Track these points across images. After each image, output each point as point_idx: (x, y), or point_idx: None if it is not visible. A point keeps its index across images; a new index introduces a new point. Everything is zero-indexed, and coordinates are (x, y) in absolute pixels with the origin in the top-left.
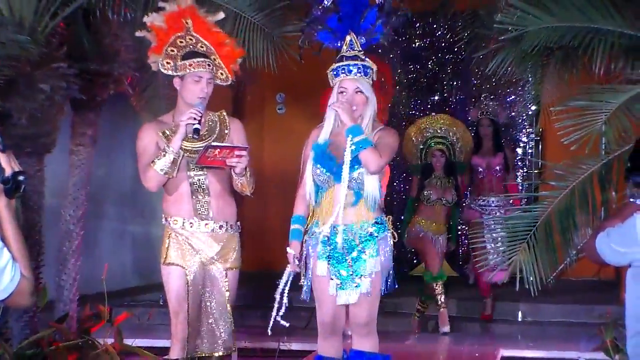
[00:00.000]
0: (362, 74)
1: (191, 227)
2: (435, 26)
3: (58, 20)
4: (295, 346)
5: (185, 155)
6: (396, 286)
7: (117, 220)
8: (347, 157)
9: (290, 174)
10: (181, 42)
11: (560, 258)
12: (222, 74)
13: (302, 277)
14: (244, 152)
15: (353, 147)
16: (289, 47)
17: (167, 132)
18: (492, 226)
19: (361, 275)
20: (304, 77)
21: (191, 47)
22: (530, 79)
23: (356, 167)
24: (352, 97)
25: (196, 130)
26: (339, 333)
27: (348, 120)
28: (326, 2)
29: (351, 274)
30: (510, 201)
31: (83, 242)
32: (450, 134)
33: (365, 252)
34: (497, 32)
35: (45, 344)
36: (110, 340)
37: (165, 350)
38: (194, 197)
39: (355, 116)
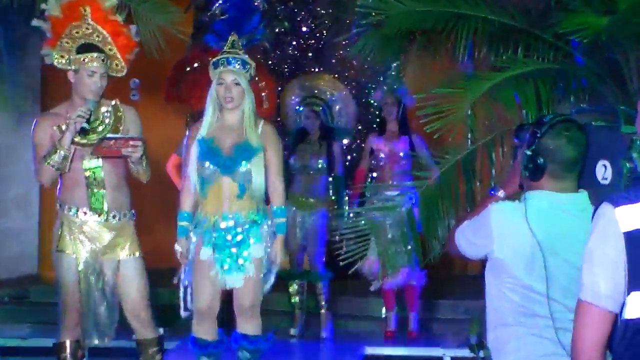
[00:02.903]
0: (241, 67)
1: (85, 215)
2: (296, 10)
3: None
4: None
5: (79, 148)
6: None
7: None
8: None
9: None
10: (77, 32)
11: (426, 251)
12: (117, 64)
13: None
14: (138, 142)
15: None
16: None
17: (63, 127)
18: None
19: (246, 260)
20: (157, 64)
21: (86, 37)
22: (392, 65)
23: (243, 162)
24: (230, 88)
25: (82, 130)
26: (214, 317)
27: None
28: (215, 8)
29: (236, 259)
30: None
31: None
32: (328, 94)
33: (249, 237)
34: (359, 16)
35: None
36: None
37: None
38: (89, 189)
39: (231, 107)
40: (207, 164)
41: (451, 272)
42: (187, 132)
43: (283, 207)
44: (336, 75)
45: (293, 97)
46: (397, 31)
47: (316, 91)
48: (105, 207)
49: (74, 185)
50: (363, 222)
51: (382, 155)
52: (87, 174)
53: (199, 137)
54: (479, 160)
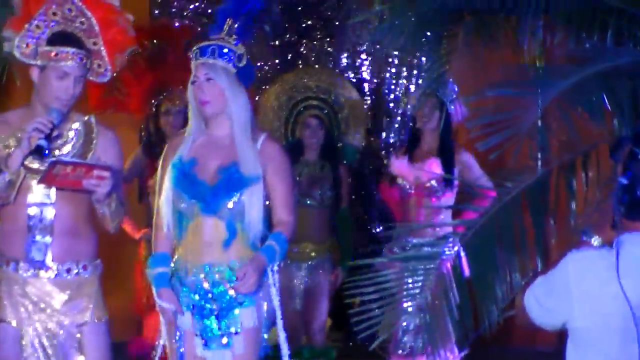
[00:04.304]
0: (217, 55)
1: (27, 272)
2: None
3: None
4: None
5: (29, 175)
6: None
7: None
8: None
9: None
10: (55, 13)
11: (477, 319)
12: (99, 65)
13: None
14: (105, 173)
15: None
16: None
17: (10, 141)
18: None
19: (233, 332)
20: None
21: (67, 22)
22: (430, 56)
23: (234, 194)
24: (201, 87)
25: (38, 149)
26: None
27: None
28: None
29: (219, 329)
30: None
31: None
32: (332, 95)
33: (237, 300)
34: None
35: None
36: None
37: None
38: (29, 234)
39: (209, 113)
40: (182, 195)
41: (511, 346)
42: (139, 151)
43: (286, 237)
44: (350, 72)
45: (279, 100)
46: (438, 9)
47: (315, 90)
48: (50, 259)
49: (13, 230)
50: (385, 278)
51: (406, 184)
52: (32, 212)
53: (175, 158)
54: (553, 190)
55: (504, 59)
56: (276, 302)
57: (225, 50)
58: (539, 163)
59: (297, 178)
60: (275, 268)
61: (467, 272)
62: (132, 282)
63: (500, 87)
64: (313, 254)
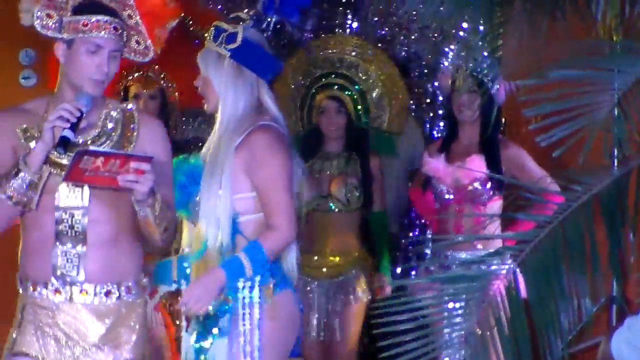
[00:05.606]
0: (211, 38)
1: (58, 294)
2: None
3: None
4: None
5: (55, 173)
6: None
7: None
8: None
9: None
10: None
11: (537, 353)
12: (138, 42)
13: None
14: (145, 165)
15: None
16: None
17: (33, 132)
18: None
19: None
20: None
21: None
22: (481, 28)
23: (192, 189)
24: (198, 81)
25: (63, 142)
26: None
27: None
28: None
29: None
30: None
31: None
32: (360, 71)
33: (212, 329)
34: None
35: None
36: None
37: None
38: (58, 244)
39: (209, 111)
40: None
41: None
42: None
43: (263, 246)
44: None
45: (295, 77)
46: None
47: (338, 65)
48: (83, 276)
49: (38, 243)
50: (422, 303)
51: (443, 188)
52: (60, 218)
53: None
54: (632, 195)
55: (572, 32)
56: (242, 327)
57: (221, 31)
58: (615, 162)
59: (317, 175)
60: (255, 286)
61: (523, 295)
62: None
63: (567, 67)
64: (339, 268)
